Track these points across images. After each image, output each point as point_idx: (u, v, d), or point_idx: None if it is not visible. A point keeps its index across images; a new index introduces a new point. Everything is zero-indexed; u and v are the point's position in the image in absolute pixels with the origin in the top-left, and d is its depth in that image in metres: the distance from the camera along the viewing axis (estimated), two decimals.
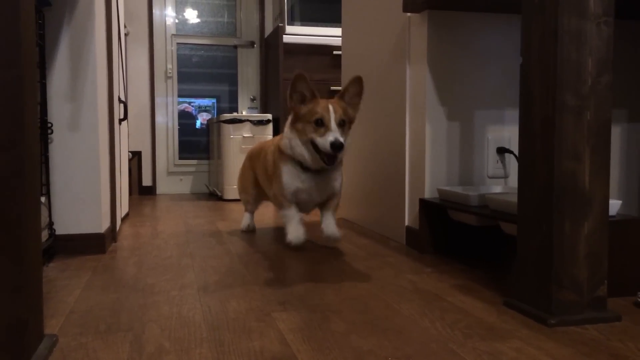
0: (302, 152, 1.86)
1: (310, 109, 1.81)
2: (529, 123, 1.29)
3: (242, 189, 2.53)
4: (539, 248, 1.26)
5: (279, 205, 2.02)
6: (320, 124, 1.78)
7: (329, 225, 2.02)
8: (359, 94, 1.88)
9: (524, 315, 1.29)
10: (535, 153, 1.27)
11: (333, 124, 1.77)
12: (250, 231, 2.49)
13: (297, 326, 1.21)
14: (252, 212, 2.54)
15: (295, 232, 1.95)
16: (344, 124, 1.82)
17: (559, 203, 1.22)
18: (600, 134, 1.23)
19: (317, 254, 1.99)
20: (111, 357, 1.05)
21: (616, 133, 2.11)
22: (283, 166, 1.95)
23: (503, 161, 2.06)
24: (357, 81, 1.87)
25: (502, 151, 2.04)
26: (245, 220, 2.52)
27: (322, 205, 2.06)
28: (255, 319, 1.26)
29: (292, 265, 1.83)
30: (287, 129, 1.93)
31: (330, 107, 1.79)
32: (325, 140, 1.76)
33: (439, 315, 1.30)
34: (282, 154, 1.96)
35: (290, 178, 1.94)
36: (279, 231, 2.45)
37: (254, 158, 2.38)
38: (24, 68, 0.96)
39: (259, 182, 2.33)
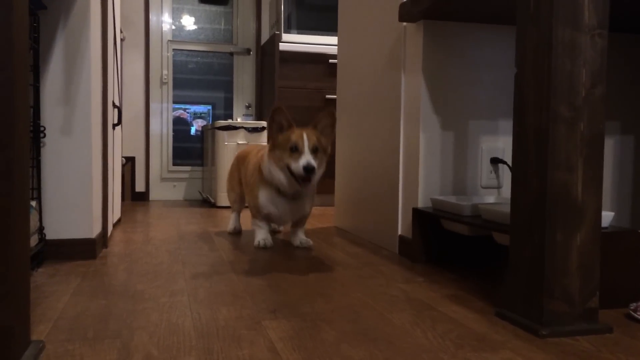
0: (280, 177, 2.05)
1: (286, 136, 2.00)
2: (522, 133, 1.29)
3: (230, 187, 2.71)
4: (531, 258, 1.26)
5: (253, 215, 2.29)
6: (295, 150, 1.97)
7: (298, 238, 2.30)
8: (332, 125, 2.07)
9: (516, 325, 1.28)
10: (529, 163, 1.27)
11: (306, 149, 1.95)
12: (236, 233, 2.61)
13: (288, 335, 1.20)
14: (238, 212, 2.67)
15: (262, 238, 2.25)
16: (317, 151, 1.99)
17: (551, 213, 1.22)
18: (594, 145, 1.24)
19: (309, 263, 1.98)
20: None
21: (609, 145, 2.12)
22: (261, 189, 2.17)
23: (497, 171, 2.07)
24: (329, 115, 2.06)
25: (495, 161, 2.05)
26: (232, 221, 2.66)
27: (293, 224, 2.32)
28: (245, 327, 1.25)
29: (284, 274, 1.82)
30: (266, 157, 2.11)
31: (305, 135, 1.97)
32: (299, 164, 1.94)
33: (431, 325, 1.29)
34: (261, 177, 2.16)
35: (266, 201, 2.18)
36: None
37: (241, 161, 2.55)
38: (15, 70, 0.96)
39: (242, 182, 2.52)
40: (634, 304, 1.36)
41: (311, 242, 2.30)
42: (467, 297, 1.54)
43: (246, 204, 2.53)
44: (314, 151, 1.98)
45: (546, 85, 1.21)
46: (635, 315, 1.34)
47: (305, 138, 1.97)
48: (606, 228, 1.46)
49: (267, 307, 1.42)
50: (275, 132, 2.04)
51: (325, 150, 2.06)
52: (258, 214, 2.24)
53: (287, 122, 2.02)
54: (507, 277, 1.35)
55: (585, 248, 1.24)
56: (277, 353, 1.10)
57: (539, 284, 1.23)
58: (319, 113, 2.08)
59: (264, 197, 2.17)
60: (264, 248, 2.20)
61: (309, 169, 1.92)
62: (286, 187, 2.08)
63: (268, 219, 2.27)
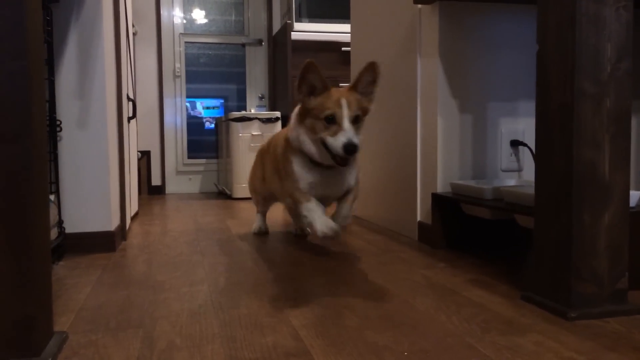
0: (311, 149, 1.66)
1: (321, 103, 1.58)
2: (546, 111, 1.25)
3: (252, 188, 2.40)
4: (557, 240, 1.23)
5: (296, 201, 1.76)
6: (332, 121, 1.56)
7: (343, 208, 1.79)
8: (374, 81, 1.65)
9: (543, 309, 1.26)
10: (553, 142, 1.23)
11: (346, 123, 1.54)
12: (262, 234, 2.36)
13: (310, 322, 1.19)
14: (263, 214, 2.41)
15: (324, 222, 1.64)
16: (358, 120, 1.60)
17: (578, 193, 1.19)
18: (620, 122, 1.20)
19: (328, 251, 1.96)
20: (122, 353, 1.03)
21: (634, 123, 2.07)
22: (293, 158, 1.75)
23: (517, 154, 2.03)
24: (371, 68, 1.63)
25: (516, 144, 2.01)
26: (257, 222, 2.40)
27: (339, 200, 1.84)
28: (267, 315, 1.24)
29: (304, 262, 1.81)
30: (294, 121, 1.73)
31: (343, 102, 1.55)
32: (338, 141, 1.53)
33: (455, 309, 1.27)
34: (290, 146, 1.77)
35: (303, 170, 1.73)
36: (290, 230, 2.43)
37: (264, 153, 2.20)
38: (30, 59, 0.94)
39: (267, 178, 2.14)
40: None
41: (349, 219, 1.83)
42: (491, 282, 1.51)
43: (276, 201, 2.25)
44: (355, 121, 1.57)
45: (570, 60, 1.17)
46: None
47: (344, 106, 1.55)
48: (633, 207, 1.42)
49: (288, 295, 1.40)
50: (305, 95, 1.62)
51: (366, 114, 1.65)
52: (300, 191, 1.74)
53: (321, 82, 1.60)
54: (532, 259, 1.32)
55: (614, 228, 1.21)
56: (300, 340, 1.08)
57: (566, 266, 1.20)
58: (361, 69, 1.65)
59: (299, 165, 1.74)
60: (332, 237, 1.64)
61: (350, 149, 1.52)
62: (319, 159, 1.68)
63: (314, 194, 1.76)
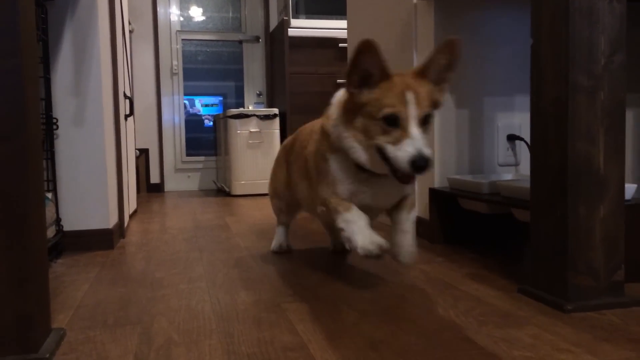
0: (361, 156, 1.25)
1: (378, 98, 1.17)
2: (540, 105, 1.26)
3: (273, 192, 1.86)
4: (554, 233, 1.23)
5: (332, 210, 1.35)
6: (393, 124, 1.16)
7: (404, 241, 1.36)
8: (450, 66, 1.23)
9: (539, 301, 1.26)
10: (548, 135, 1.24)
11: (414, 127, 1.14)
12: (283, 251, 1.87)
13: (308, 316, 1.19)
14: (286, 226, 1.90)
15: (368, 237, 1.26)
16: (428, 120, 1.19)
17: (573, 186, 1.19)
18: (615, 115, 1.20)
19: (325, 249, 1.97)
20: (119, 349, 1.03)
21: (629, 117, 2.07)
22: (331, 156, 1.33)
23: (514, 148, 2.03)
24: (449, 47, 1.21)
25: (512, 138, 2.01)
26: (277, 237, 1.89)
27: (392, 209, 1.41)
28: (264, 310, 1.24)
29: (301, 258, 1.81)
30: (335, 114, 1.30)
31: (410, 97, 1.15)
32: (403, 153, 1.13)
33: (452, 303, 1.27)
34: (328, 140, 1.34)
35: (344, 173, 1.32)
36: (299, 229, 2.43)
37: (289, 150, 1.72)
38: (23, 57, 0.95)
39: (292, 182, 1.68)
40: None
41: (414, 256, 1.37)
42: (488, 276, 1.51)
43: (302, 210, 1.79)
44: (425, 121, 1.17)
45: (564, 54, 1.18)
46: None
47: (411, 103, 1.15)
48: (629, 200, 1.42)
49: (285, 290, 1.41)
50: (356, 85, 1.20)
51: (438, 106, 1.24)
52: (336, 197, 1.34)
53: (379, 69, 1.18)
54: (529, 253, 1.33)
55: (609, 221, 1.21)
56: (297, 334, 1.09)
57: (563, 259, 1.21)
58: (435, 48, 1.23)
59: (338, 167, 1.33)
60: (376, 257, 1.25)
61: (420, 165, 1.11)
62: (369, 166, 1.27)
63: (356, 202, 1.34)
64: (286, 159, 1.74)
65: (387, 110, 1.15)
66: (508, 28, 1.99)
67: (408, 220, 1.37)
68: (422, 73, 1.21)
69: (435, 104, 1.21)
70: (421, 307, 1.25)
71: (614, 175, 1.21)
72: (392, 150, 1.15)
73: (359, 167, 1.30)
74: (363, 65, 1.17)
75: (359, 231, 1.28)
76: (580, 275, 1.20)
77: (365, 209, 1.34)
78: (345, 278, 1.53)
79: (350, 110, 1.24)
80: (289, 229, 1.91)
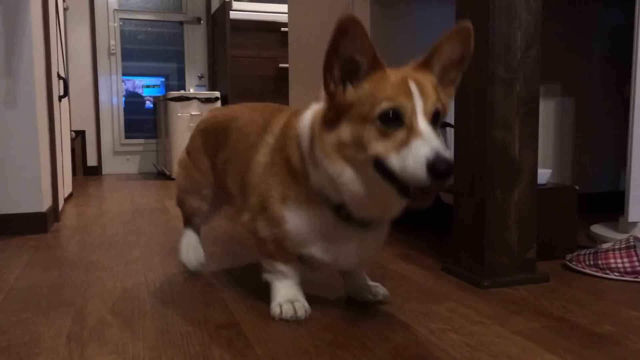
0: (352, 186, 0.93)
1: (371, 91, 0.89)
2: (464, 95, 1.34)
3: (183, 183, 1.42)
4: (473, 215, 1.32)
5: (265, 251, 1.11)
6: (395, 122, 0.87)
7: (365, 287, 1.20)
8: (462, 60, 0.97)
9: (460, 279, 1.35)
10: (470, 123, 1.32)
11: (423, 124, 0.86)
12: (194, 272, 1.41)
13: (241, 296, 1.24)
14: (197, 229, 1.46)
15: (290, 300, 1.09)
16: (437, 119, 0.90)
17: (491, 171, 1.28)
18: (529, 105, 1.30)
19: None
20: (52, 330, 1.04)
21: (550, 106, 2.20)
22: (293, 204, 1.02)
23: (444, 135, 2.12)
24: (461, 35, 0.96)
25: (443, 125, 2.10)
26: (184, 247, 1.41)
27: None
28: (199, 291, 1.28)
29: (238, 240, 1.84)
30: (312, 134, 0.98)
31: (413, 86, 0.88)
32: (415, 159, 0.82)
33: (380, 281, 1.34)
34: (293, 177, 1.02)
35: (304, 229, 1.02)
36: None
37: (210, 135, 1.34)
38: None
39: (218, 174, 1.30)
40: (570, 255, 1.45)
41: (387, 293, 1.21)
42: (417, 255, 1.60)
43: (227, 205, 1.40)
44: (435, 120, 0.89)
45: (484, 47, 1.26)
46: (571, 265, 1.43)
47: (415, 93, 0.88)
48: (544, 185, 1.54)
49: (220, 272, 1.44)
50: (339, 80, 0.92)
51: (445, 113, 0.95)
52: (279, 251, 1.08)
53: (368, 56, 0.90)
54: (452, 233, 1.41)
55: (523, 203, 1.31)
56: (230, 313, 1.13)
57: (481, 239, 1.30)
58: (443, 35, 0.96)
59: (298, 220, 1.02)
60: (296, 321, 1.07)
61: (442, 169, 0.80)
62: (362, 205, 0.97)
63: (303, 261, 1.11)
64: (205, 145, 1.35)
65: (385, 105, 0.86)
66: (441, 18, 2.07)
67: (363, 278, 1.22)
68: (425, 65, 0.94)
69: (443, 105, 0.92)
70: None
71: (528, 161, 1.31)
72: (396, 159, 0.84)
73: (336, 213, 0.99)
74: (346, 52, 0.89)
75: (284, 289, 1.11)
76: (496, 253, 1.30)
77: (321, 263, 1.06)
78: None
79: (331, 119, 0.93)
80: (200, 233, 1.46)
